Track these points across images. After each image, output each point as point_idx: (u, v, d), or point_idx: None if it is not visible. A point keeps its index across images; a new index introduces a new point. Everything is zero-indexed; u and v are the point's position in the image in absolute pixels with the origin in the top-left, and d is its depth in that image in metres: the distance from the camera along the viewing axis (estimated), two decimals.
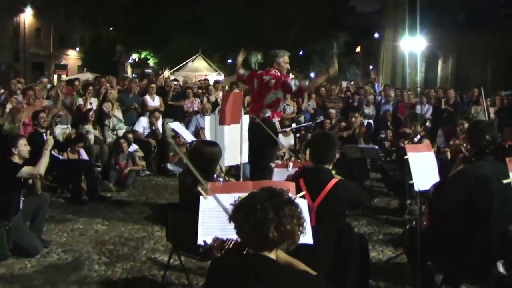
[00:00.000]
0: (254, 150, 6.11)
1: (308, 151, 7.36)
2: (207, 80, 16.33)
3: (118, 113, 10.01)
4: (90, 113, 9.55)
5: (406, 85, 29.77)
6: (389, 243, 5.96)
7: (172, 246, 4.57)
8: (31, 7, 39.29)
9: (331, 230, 3.66)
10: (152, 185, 9.00)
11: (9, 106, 8.48)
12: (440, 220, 4.00)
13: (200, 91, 12.64)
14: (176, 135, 9.52)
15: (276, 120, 6.19)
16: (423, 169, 4.75)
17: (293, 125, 8.99)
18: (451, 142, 7.95)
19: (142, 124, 10.19)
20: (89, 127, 9.46)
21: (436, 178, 4.69)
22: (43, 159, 5.30)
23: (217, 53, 33.39)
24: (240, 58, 6.85)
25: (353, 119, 8.57)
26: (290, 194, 2.36)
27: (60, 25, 43.21)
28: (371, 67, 56.17)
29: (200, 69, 24.43)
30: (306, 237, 3.09)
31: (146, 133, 10.17)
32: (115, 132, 9.93)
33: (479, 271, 3.85)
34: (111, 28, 41.31)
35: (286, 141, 9.51)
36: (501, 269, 4.00)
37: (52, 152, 6.76)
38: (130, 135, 9.37)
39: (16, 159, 5.34)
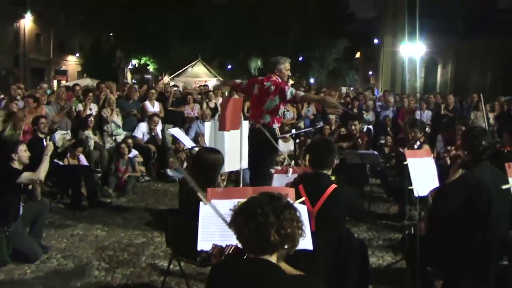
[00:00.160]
0: (254, 156, 6.12)
1: (307, 157, 7.35)
2: (206, 85, 16.36)
3: (117, 119, 10.01)
4: (90, 119, 9.57)
5: (405, 91, 29.85)
6: (388, 249, 5.96)
7: (172, 252, 4.57)
8: (31, 13, 39.34)
9: (330, 236, 3.67)
10: (152, 190, 9.00)
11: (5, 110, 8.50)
12: (440, 222, 4.01)
13: (200, 97, 12.66)
14: (176, 141, 9.53)
15: (276, 126, 6.21)
16: (423, 174, 4.76)
17: (293, 130, 8.98)
18: (448, 148, 7.94)
19: (142, 130, 10.19)
20: (88, 132, 9.47)
21: (436, 184, 4.70)
22: (43, 165, 5.30)
23: (216, 59, 33.48)
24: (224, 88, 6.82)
25: (353, 127, 8.57)
26: (289, 199, 2.37)
27: (60, 31, 43.27)
28: (370, 72, 56.27)
29: (199, 74, 24.50)
30: (306, 243, 3.10)
31: (145, 139, 10.17)
32: (113, 137, 9.94)
33: (479, 270, 3.85)
34: (111, 34, 41.39)
35: (286, 147, 9.50)
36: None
37: (53, 159, 6.76)
38: (130, 141, 9.38)
39: (16, 165, 5.34)
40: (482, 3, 40.57)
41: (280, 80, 6.15)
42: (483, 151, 3.96)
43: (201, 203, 3.26)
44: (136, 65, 42.59)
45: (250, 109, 6.68)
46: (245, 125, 6.16)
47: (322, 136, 8.90)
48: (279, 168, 5.32)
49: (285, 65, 6.24)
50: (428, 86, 39.58)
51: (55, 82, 38.58)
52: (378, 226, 6.91)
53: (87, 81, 24.02)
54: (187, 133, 9.96)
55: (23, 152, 5.40)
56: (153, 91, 11.48)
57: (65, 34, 44.08)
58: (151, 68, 40.21)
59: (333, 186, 3.73)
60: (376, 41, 46.63)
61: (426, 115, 12.05)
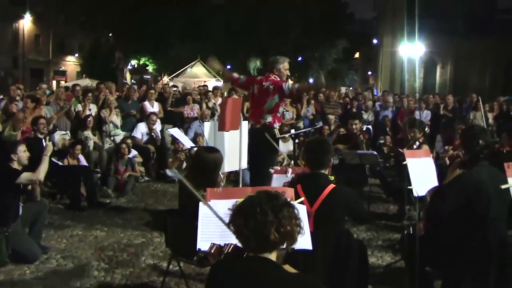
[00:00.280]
0: (255, 156, 6.13)
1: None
2: (206, 86, 16.36)
3: (116, 119, 10.01)
4: (89, 119, 9.56)
5: (404, 91, 29.84)
6: (388, 249, 5.96)
7: (171, 252, 4.57)
8: (30, 13, 39.35)
9: (329, 236, 3.67)
10: (151, 191, 9.00)
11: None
12: (439, 222, 4.01)
13: (199, 97, 12.66)
14: (175, 141, 9.52)
15: (277, 125, 6.24)
16: (422, 174, 4.76)
17: (292, 131, 8.98)
18: (445, 148, 7.94)
19: (141, 130, 10.18)
20: (88, 133, 9.47)
21: (435, 184, 4.70)
22: (42, 165, 5.30)
23: (216, 59, 33.45)
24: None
25: (354, 126, 8.56)
26: (288, 199, 2.38)
27: (59, 32, 43.25)
28: (369, 73, 56.35)
29: (199, 75, 24.50)
30: (305, 243, 3.10)
31: (144, 139, 10.17)
32: (112, 138, 9.94)
33: (479, 270, 3.85)
34: (110, 34, 41.39)
35: (285, 147, 9.51)
36: None
37: (52, 158, 6.75)
38: (129, 141, 9.38)
39: (15, 165, 5.34)
40: (482, 3, 40.65)
41: (278, 79, 6.18)
42: (480, 150, 3.96)
43: (200, 203, 3.26)
44: (135, 66, 42.61)
45: (250, 109, 6.70)
46: (245, 125, 6.17)
47: (318, 136, 8.88)
48: (278, 168, 5.32)
49: (284, 65, 6.27)
50: (427, 86, 39.64)
51: (54, 82, 38.59)
52: (377, 226, 6.91)
53: (86, 82, 24.03)
54: (186, 133, 9.95)
55: (23, 153, 5.40)
56: (152, 91, 11.46)
57: (64, 34, 44.07)
58: (150, 68, 40.21)
59: (331, 185, 3.73)
60: (375, 41, 46.73)
61: (425, 115, 12.05)
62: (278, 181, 4.82)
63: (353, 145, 8.02)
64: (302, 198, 3.55)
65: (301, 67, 36.83)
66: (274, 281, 2.17)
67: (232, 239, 2.39)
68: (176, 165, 9.67)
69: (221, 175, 6.38)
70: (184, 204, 4.29)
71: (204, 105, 11.65)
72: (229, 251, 2.43)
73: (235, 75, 6.77)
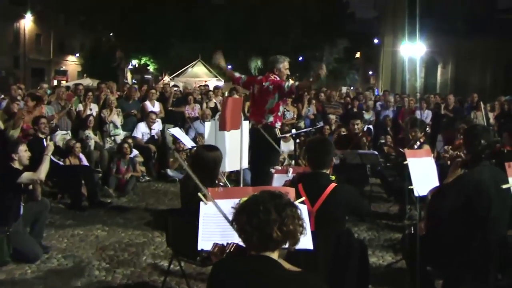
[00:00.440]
0: (256, 156, 6.13)
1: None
2: (207, 85, 16.37)
3: (117, 119, 10.01)
4: (90, 119, 9.57)
5: (405, 91, 29.84)
6: (389, 249, 5.96)
7: (173, 252, 4.57)
8: (31, 13, 39.38)
9: (330, 235, 3.67)
10: (152, 191, 9.00)
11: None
12: (440, 222, 4.01)
13: (200, 97, 12.66)
14: (176, 141, 9.53)
15: (278, 125, 6.25)
16: (423, 174, 4.76)
17: (293, 130, 8.99)
18: (445, 148, 7.93)
19: (141, 130, 10.17)
20: (89, 132, 9.48)
21: (436, 184, 4.70)
22: (43, 165, 5.30)
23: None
24: (221, 62, 6.71)
25: (355, 126, 8.55)
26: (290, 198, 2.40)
27: (60, 31, 43.31)
28: (370, 72, 56.30)
29: (199, 74, 24.51)
30: (307, 242, 3.10)
31: (145, 139, 10.17)
32: (112, 138, 9.94)
33: (479, 270, 3.85)
34: (111, 34, 41.41)
35: (286, 146, 9.52)
36: None
37: (52, 157, 6.76)
38: (130, 140, 9.38)
39: (16, 165, 5.35)
40: (482, 3, 40.65)
41: (278, 79, 6.18)
42: (482, 150, 3.95)
43: (201, 203, 3.26)
44: (136, 65, 42.62)
45: (250, 109, 6.71)
46: (245, 125, 6.17)
47: (319, 136, 8.88)
48: (279, 168, 5.32)
49: (284, 64, 6.27)
50: (428, 86, 39.62)
51: (55, 82, 38.60)
52: (378, 226, 6.91)
53: (87, 81, 24.05)
54: (187, 133, 9.96)
55: (23, 153, 5.40)
56: (153, 91, 11.45)
57: (65, 34, 44.12)
58: (151, 68, 40.22)
59: (333, 185, 3.73)
60: (376, 41, 46.67)
61: (426, 115, 12.05)
62: (279, 181, 4.83)
63: (354, 146, 8.01)
64: (303, 198, 3.54)
65: (301, 67, 36.83)
66: (276, 280, 2.18)
67: (233, 238, 2.40)
68: (176, 165, 9.68)
69: (221, 174, 6.39)
70: (187, 202, 4.28)
71: (204, 105, 11.65)
72: (231, 250, 2.44)
73: (237, 74, 6.78)
